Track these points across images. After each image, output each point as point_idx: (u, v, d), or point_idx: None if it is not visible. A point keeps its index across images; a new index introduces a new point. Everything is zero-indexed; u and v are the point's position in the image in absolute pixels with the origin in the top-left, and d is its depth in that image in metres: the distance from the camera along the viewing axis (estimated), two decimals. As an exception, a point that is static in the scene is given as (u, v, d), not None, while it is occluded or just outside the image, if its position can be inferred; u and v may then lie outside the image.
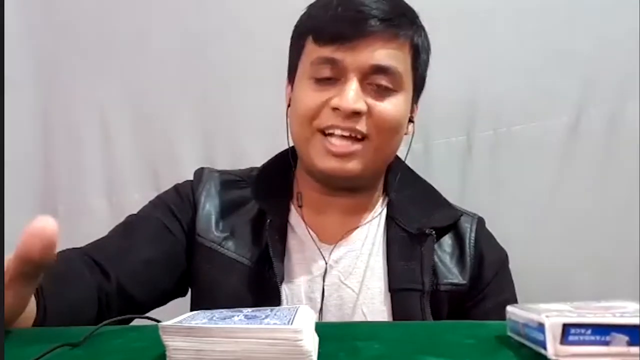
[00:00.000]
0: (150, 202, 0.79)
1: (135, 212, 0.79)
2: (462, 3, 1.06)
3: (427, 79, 1.06)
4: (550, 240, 1.06)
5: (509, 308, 0.45)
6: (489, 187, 1.08)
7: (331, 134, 0.69)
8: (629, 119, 1.05)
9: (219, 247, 0.73)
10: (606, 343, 0.36)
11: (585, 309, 0.39)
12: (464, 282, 0.74)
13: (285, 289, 0.72)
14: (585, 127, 1.06)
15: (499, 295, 0.75)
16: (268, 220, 0.73)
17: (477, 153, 1.09)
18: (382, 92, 0.70)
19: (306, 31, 0.72)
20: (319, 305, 0.72)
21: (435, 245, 0.74)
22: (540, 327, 0.37)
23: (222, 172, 0.81)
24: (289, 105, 0.76)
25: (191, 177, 0.80)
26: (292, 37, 0.76)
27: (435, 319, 0.71)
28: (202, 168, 0.81)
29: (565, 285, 1.03)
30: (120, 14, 1.13)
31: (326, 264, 0.73)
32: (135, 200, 1.12)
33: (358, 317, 0.72)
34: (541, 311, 0.38)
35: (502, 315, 0.44)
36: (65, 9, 1.14)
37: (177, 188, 0.80)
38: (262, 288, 0.71)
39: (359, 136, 0.69)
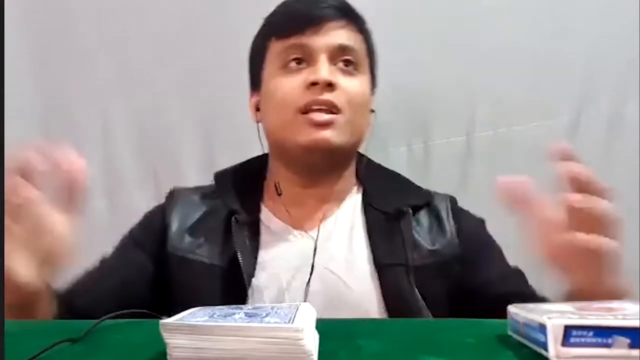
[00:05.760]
0: (121, 240, 0.80)
1: (135, 212, 0.80)
2: (462, 3, 1.06)
3: (427, 79, 1.06)
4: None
5: (511, 308, 0.44)
6: (488, 187, 1.07)
7: (310, 110, 0.72)
8: (629, 119, 1.05)
9: (190, 254, 0.74)
10: (607, 345, 0.35)
11: (586, 309, 0.39)
12: (447, 249, 0.75)
13: (263, 283, 0.72)
14: (585, 127, 1.06)
15: (488, 261, 0.77)
16: (233, 218, 0.74)
17: (477, 153, 1.09)
18: (348, 72, 0.75)
19: (269, 34, 0.78)
20: (302, 295, 0.72)
21: (413, 222, 0.76)
22: (542, 328, 0.37)
23: (193, 189, 0.83)
24: (257, 110, 0.80)
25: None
26: (252, 50, 0.81)
27: (428, 295, 0.71)
28: (172, 190, 0.83)
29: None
30: (120, 15, 1.13)
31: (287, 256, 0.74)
32: (135, 200, 1.12)
33: (346, 300, 0.72)
34: (543, 312, 0.38)
35: (493, 281, 0.42)
36: (66, 10, 1.14)
37: (142, 221, 0.81)
38: (233, 287, 0.71)
39: (334, 110, 0.72)
